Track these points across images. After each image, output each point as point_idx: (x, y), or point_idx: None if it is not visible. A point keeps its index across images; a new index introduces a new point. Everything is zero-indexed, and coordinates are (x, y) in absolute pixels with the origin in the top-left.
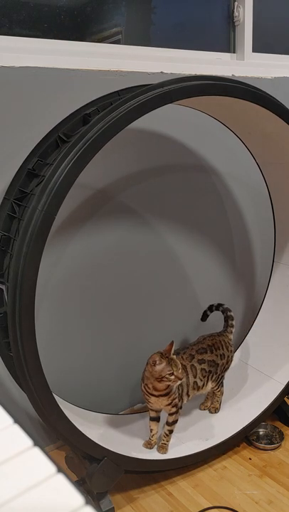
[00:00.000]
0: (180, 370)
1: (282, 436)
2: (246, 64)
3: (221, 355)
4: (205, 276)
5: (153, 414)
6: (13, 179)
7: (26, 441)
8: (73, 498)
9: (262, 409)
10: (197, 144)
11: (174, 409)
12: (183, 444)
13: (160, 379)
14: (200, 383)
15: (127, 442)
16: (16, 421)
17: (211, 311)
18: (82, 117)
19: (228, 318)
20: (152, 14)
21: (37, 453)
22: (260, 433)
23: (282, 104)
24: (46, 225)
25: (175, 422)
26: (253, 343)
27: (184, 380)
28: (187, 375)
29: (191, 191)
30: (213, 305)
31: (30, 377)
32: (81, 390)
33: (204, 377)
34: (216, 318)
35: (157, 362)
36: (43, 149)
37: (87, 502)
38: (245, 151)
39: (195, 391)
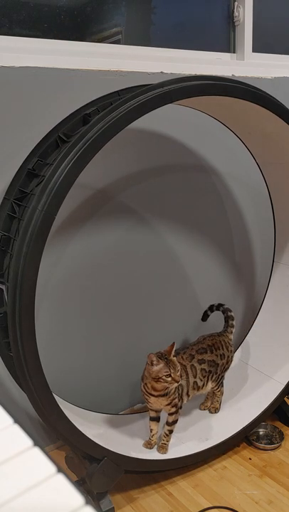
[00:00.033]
0: (178, 373)
1: (282, 436)
2: (246, 64)
3: (221, 355)
4: (205, 276)
5: (153, 414)
6: (13, 179)
7: (26, 441)
8: (73, 498)
9: (262, 409)
10: (197, 144)
11: (173, 409)
12: (183, 444)
13: (157, 379)
14: (200, 383)
15: (127, 442)
16: (16, 421)
17: (212, 311)
18: (82, 117)
19: (228, 319)
20: (152, 14)
21: (37, 453)
22: (260, 433)
23: (282, 104)
24: (46, 225)
25: (175, 422)
26: (253, 343)
27: (182, 381)
28: (187, 375)
29: (191, 191)
30: (213, 305)
31: (30, 377)
32: (81, 390)
33: (204, 377)
34: (216, 319)
35: (154, 362)
36: (43, 149)
37: (87, 502)
38: (245, 151)
39: (195, 391)
